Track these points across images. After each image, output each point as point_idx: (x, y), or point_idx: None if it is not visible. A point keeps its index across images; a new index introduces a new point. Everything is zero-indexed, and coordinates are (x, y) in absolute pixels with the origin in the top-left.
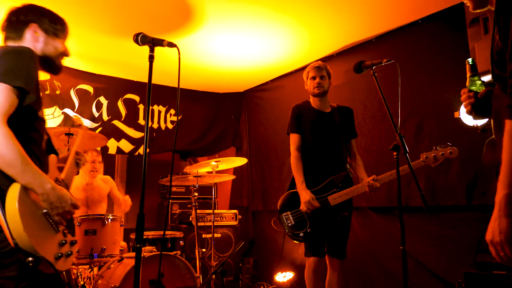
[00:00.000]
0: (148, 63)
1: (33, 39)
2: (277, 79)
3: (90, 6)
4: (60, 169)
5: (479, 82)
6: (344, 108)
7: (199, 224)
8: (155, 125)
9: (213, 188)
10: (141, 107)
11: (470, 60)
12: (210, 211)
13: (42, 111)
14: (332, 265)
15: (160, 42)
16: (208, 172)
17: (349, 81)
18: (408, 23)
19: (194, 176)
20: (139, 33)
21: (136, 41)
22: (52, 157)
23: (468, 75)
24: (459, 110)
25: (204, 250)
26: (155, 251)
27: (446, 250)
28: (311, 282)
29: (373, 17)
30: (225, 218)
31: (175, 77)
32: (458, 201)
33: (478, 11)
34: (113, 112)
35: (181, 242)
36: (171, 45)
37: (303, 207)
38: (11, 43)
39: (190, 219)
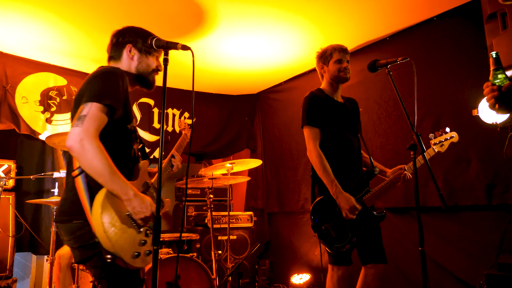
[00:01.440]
0: (162, 67)
1: (129, 58)
2: (291, 80)
3: (104, 11)
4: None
5: (503, 75)
6: (351, 99)
7: (215, 226)
8: (170, 129)
9: (228, 190)
10: (155, 110)
11: (494, 53)
12: (226, 213)
13: (131, 123)
14: (377, 272)
15: (174, 46)
16: (223, 174)
17: (363, 80)
18: (423, 21)
19: (209, 178)
20: (153, 37)
21: (150, 44)
22: (143, 163)
23: (491, 68)
24: (477, 107)
25: (220, 252)
26: (171, 253)
27: (466, 251)
28: None
29: (387, 15)
30: (241, 220)
31: (189, 80)
32: (478, 200)
33: (508, 2)
34: None
35: (197, 244)
36: (185, 48)
37: (347, 214)
38: (112, 63)
39: (206, 221)
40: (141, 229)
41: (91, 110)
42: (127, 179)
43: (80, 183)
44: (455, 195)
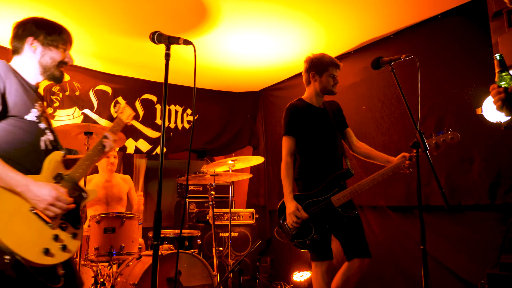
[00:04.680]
0: (164, 63)
1: (31, 51)
2: (294, 77)
3: (107, 7)
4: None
5: (509, 76)
6: (332, 102)
7: (216, 223)
8: (172, 125)
9: (230, 187)
10: (158, 107)
11: (498, 55)
12: (227, 210)
13: (33, 114)
14: (360, 266)
15: (176, 40)
16: (225, 171)
17: (366, 78)
18: (427, 18)
19: (211, 175)
20: (155, 32)
21: (152, 39)
22: (54, 154)
23: (496, 70)
24: (481, 106)
25: (221, 248)
26: (172, 249)
27: (468, 250)
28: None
29: (391, 12)
30: (242, 217)
31: (192, 77)
32: (481, 200)
33: None
34: None
35: (199, 241)
36: (187, 42)
37: (288, 220)
38: (15, 56)
39: (207, 218)
40: (52, 223)
41: None
42: (36, 173)
43: None
44: (458, 194)
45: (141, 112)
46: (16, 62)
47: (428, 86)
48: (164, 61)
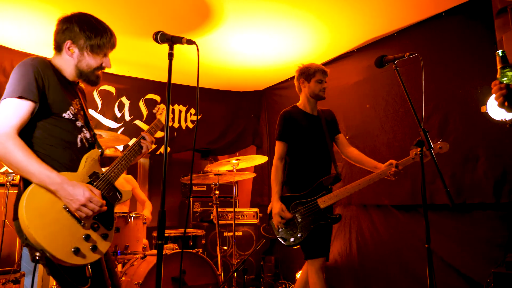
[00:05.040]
0: (167, 63)
1: (69, 55)
2: None
3: (110, 7)
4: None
5: (511, 73)
6: (327, 110)
7: (220, 222)
8: (176, 125)
9: (234, 187)
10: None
11: (500, 52)
12: (231, 209)
13: (70, 112)
14: (320, 265)
15: (179, 40)
16: (229, 171)
17: (370, 77)
18: (431, 16)
19: (215, 175)
20: (158, 32)
21: (155, 39)
22: (91, 153)
23: (498, 66)
24: (486, 104)
25: (225, 248)
26: (177, 249)
27: (473, 249)
28: (319, 284)
29: (395, 10)
30: (246, 216)
31: (195, 76)
32: (486, 198)
33: None
34: (135, 112)
35: (203, 240)
36: (190, 42)
37: (274, 219)
38: (55, 54)
39: (212, 217)
40: (83, 222)
41: (3, 107)
42: (72, 170)
43: (20, 180)
44: (463, 193)
45: (144, 112)
46: (57, 60)
47: (432, 84)
48: (167, 61)
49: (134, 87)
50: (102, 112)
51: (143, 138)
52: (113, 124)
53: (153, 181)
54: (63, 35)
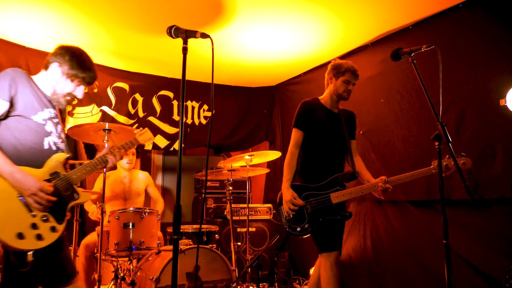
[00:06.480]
0: (181, 59)
1: (53, 73)
2: (310, 71)
3: (123, 4)
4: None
5: None
6: (348, 111)
7: (234, 218)
8: (189, 121)
9: (247, 182)
10: (175, 103)
11: None
12: (245, 205)
13: (40, 116)
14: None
15: (193, 34)
16: (242, 166)
17: (384, 71)
18: (447, 8)
19: (228, 170)
20: (172, 26)
21: (169, 33)
22: (58, 155)
23: None
24: (504, 97)
25: (239, 243)
26: (191, 244)
27: (491, 244)
28: (332, 278)
29: (410, 2)
30: (260, 212)
31: (208, 73)
32: (504, 193)
33: None
34: (149, 108)
35: (217, 236)
36: (204, 36)
37: (284, 206)
38: (43, 69)
39: (225, 213)
40: (34, 213)
41: None
42: (34, 167)
43: None
44: (481, 188)
45: (158, 108)
46: (40, 75)
47: (449, 77)
48: (180, 57)
49: (147, 84)
50: (116, 109)
51: (112, 153)
52: (127, 121)
53: (166, 177)
54: (55, 57)
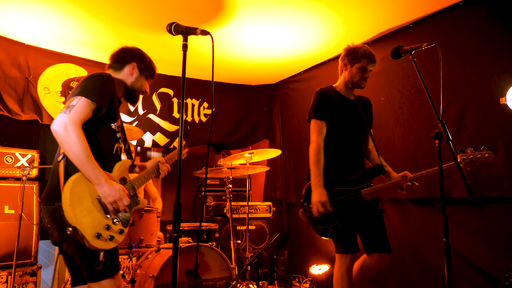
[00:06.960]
0: (181, 57)
1: (129, 74)
2: (310, 69)
3: (123, 1)
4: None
5: None
6: (364, 98)
7: (234, 216)
8: (189, 118)
9: (247, 180)
10: (175, 100)
11: None
12: (244, 203)
13: (116, 124)
14: (382, 260)
15: (193, 31)
16: (242, 164)
17: (385, 69)
18: (447, 6)
19: (228, 168)
20: (172, 23)
21: (169, 30)
22: (125, 161)
23: None
24: (505, 96)
25: (239, 241)
26: (191, 242)
27: (491, 243)
28: (347, 283)
29: (410, 0)
30: (259, 210)
31: (208, 70)
32: (504, 192)
33: None
34: (148, 106)
35: (216, 234)
36: (204, 33)
37: (314, 208)
38: (111, 71)
39: (225, 211)
40: (109, 216)
41: (79, 102)
42: (106, 171)
43: (61, 167)
44: (481, 186)
45: (158, 105)
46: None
47: (449, 76)
48: (180, 55)
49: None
50: None
51: (159, 166)
52: (127, 118)
53: (166, 176)
54: (127, 57)
